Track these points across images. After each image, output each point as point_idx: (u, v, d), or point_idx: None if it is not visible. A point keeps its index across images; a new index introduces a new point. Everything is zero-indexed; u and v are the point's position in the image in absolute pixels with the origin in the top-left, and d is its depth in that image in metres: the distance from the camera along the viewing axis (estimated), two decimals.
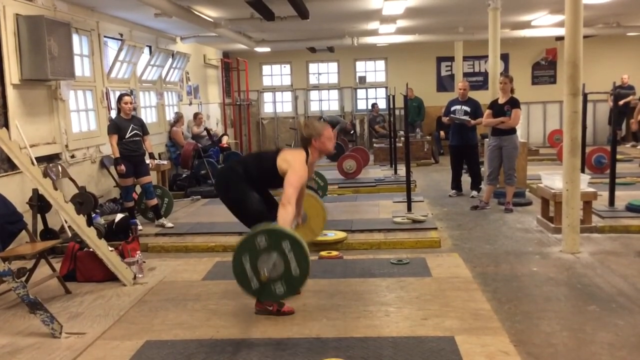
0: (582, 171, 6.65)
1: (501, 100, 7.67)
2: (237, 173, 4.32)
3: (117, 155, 6.80)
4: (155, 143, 8.12)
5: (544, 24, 12.17)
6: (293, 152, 4.29)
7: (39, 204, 5.91)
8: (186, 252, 6.36)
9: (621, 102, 12.82)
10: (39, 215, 6.04)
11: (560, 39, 13.46)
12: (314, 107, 16.43)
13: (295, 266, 3.65)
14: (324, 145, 4.29)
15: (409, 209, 7.29)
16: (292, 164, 4.11)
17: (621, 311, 4.20)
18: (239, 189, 4.25)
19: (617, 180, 7.42)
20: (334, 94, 16.40)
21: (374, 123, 15.48)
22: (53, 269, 4.95)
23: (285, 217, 3.88)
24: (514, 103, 7.56)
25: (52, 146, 7.12)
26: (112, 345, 3.75)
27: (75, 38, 7.52)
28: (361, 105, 16.49)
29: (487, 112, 7.82)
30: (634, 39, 14.66)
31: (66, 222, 6.01)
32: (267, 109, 16.63)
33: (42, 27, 6.34)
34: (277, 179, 4.17)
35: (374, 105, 15.72)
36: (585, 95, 6.89)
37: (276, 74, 16.56)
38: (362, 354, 3.47)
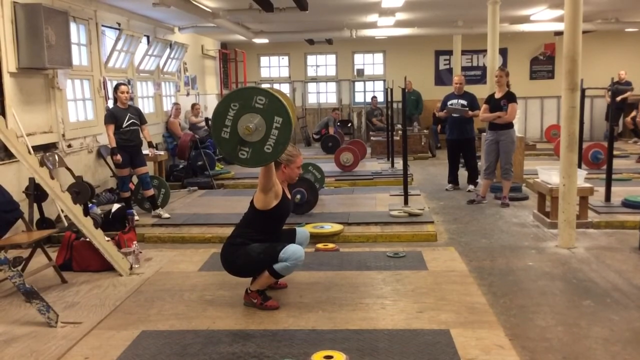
0: (579, 166, 6.67)
1: (497, 95, 7.68)
2: (233, 245, 4.15)
3: (114, 145, 6.78)
4: (152, 134, 8.09)
5: (542, 19, 12.16)
6: None
7: (36, 193, 5.91)
8: (183, 243, 6.36)
9: (619, 98, 12.83)
10: (35, 204, 6.04)
11: (559, 34, 13.46)
12: (311, 99, 16.41)
13: (271, 144, 3.57)
14: (292, 172, 4.25)
15: (406, 202, 7.30)
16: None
17: (616, 306, 4.22)
18: (238, 256, 4.10)
19: (614, 176, 7.45)
20: (332, 86, 16.38)
21: (372, 116, 15.47)
22: (49, 258, 4.95)
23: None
24: (510, 97, 7.57)
25: (49, 135, 7.09)
26: (108, 335, 3.76)
27: (72, 27, 7.47)
28: (359, 98, 16.47)
29: (483, 106, 7.82)
30: (632, 35, 14.65)
31: (62, 211, 6.00)
32: None
33: (40, 15, 6.30)
34: (270, 218, 4.10)
35: (373, 98, 15.71)
36: (583, 91, 6.90)
37: (274, 66, 16.52)
38: (358, 346, 3.48)
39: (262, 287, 4.17)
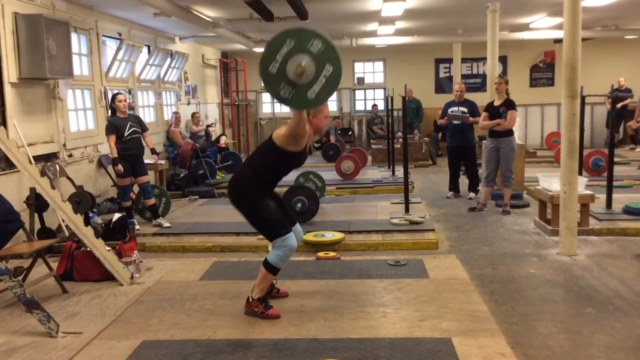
0: (580, 174, 6.67)
1: (497, 102, 7.69)
2: (247, 179, 4.12)
3: (115, 155, 6.78)
4: (153, 142, 8.11)
5: (542, 27, 12.20)
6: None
7: (36, 202, 5.91)
8: (183, 252, 6.36)
9: (619, 105, 12.84)
10: (36, 214, 6.04)
11: (558, 41, 13.49)
12: None
13: (316, 91, 3.51)
14: (320, 122, 4.17)
15: (407, 210, 7.29)
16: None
17: (618, 314, 4.20)
18: (253, 200, 4.08)
19: (615, 183, 7.44)
20: (333, 94, 16.35)
21: (372, 124, 15.49)
22: (50, 268, 4.95)
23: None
24: (509, 105, 7.58)
25: (50, 145, 7.11)
26: (108, 345, 3.75)
27: (73, 37, 7.51)
28: (359, 106, 16.50)
29: (483, 114, 7.84)
30: (631, 42, 14.69)
31: (63, 221, 6.00)
32: (266, 109, 16.62)
33: (41, 25, 6.33)
34: (283, 157, 4.05)
35: (373, 106, 15.73)
36: (583, 98, 6.91)
37: None
38: (359, 355, 3.47)
39: (263, 291, 4.16)
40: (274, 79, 3.53)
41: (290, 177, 9.60)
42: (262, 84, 3.58)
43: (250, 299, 4.17)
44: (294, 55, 3.48)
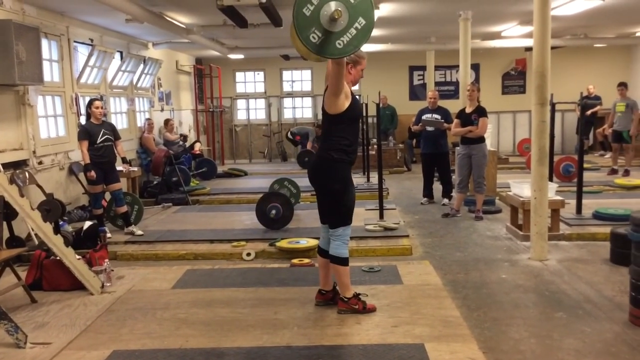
0: (550, 179, 6.76)
1: (468, 110, 7.78)
2: (336, 161, 4.12)
3: (88, 161, 6.69)
4: (125, 149, 8.02)
5: (513, 35, 12.39)
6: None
7: (5, 211, 5.78)
8: (156, 260, 6.29)
9: (588, 112, 13.08)
10: (4, 223, 5.91)
11: (529, 49, 13.70)
12: (287, 114, 16.43)
13: (344, 41, 3.44)
14: (357, 75, 4.23)
15: (381, 216, 7.32)
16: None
17: (587, 318, 4.27)
18: (346, 182, 4.14)
19: (585, 189, 7.57)
20: (308, 101, 16.41)
21: None
22: (18, 278, 4.86)
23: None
24: (481, 112, 7.68)
25: (19, 152, 6.98)
26: (78, 356, 3.69)
27: (44, 43, 7.41)
28: None
29: (455, 121, 7.93)
30: (600, 50, 14.99)
31: (33, 229, 5.89)
32: (241, 115, 16.57)
33: (10, 31, 6.22)
34: (348, 118, 4.10)
35: None
36: (553, 105, 7.02)
37: (250, 81, 16.51)
38: None
39: (350, 286, 4.25)
40: (307, 22, 3.44)
41: (265, 184, 9.61)
42: (294, 24, 3.46)
43: (346, 298, 4.22)
44: (329, 1, 3.42)
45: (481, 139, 7.71)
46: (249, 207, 8.09)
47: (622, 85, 11.19)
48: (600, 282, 5.09)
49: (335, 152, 4.13)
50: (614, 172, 10.92)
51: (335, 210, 4.17)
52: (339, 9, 3.40)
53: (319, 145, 4.33)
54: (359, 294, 4.31)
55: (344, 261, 4.17)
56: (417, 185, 10.00)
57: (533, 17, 5.76)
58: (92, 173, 6.71)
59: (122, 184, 7.55)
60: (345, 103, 4.06)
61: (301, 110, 16.48)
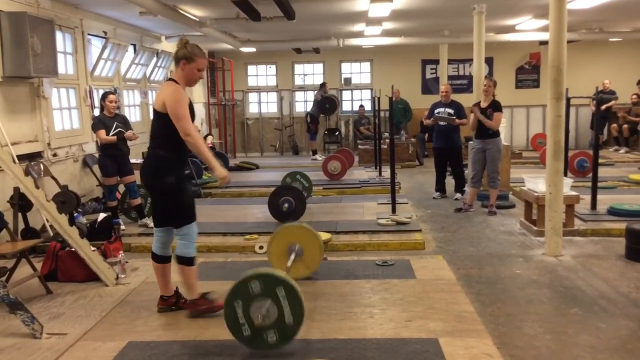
0: (565, 175, 6.72)
1: (483, 104, 7.72)
2: (158, 159, 4.08)
3: (115, 139, 6.68)
4: (139, 142, 8.06)
5: (528, 29, 12.29)
6: (163, 88, 4.12)
7: (20, 202, 5.84)
8: None
9: (603, 107, 12.97)
10: (20, 214, 5.97)
11: (544, 43, 13.61)
12: (299, 107, 16.42)
13: (289, 314, 3.45)
14: (192, 74, 4.06)
15: (394, 210, 7.31)
16: (166, 96, 3.95)
17: (603, 314, 4.24)
18: (175, 179, 4.07)
19: (599, 184, 7.51)
20: None
21: (359, 124, 15.50)
22: (34, 269, 4.89)
23: (197, 144, 3.98)
24: (495, 106, 7.62)
25: (34, 144, 7.03)
26: (93, 346, 3.71)
27: (58, 35, 7.44)
28: (346, 106, 16.50)
29: (471, 115, 7.88)
30: (615, 44, 14.83)
31: (47, 221, 5.94)
32: (252, 109, 16.58)
33: (25, 23, 6.26)
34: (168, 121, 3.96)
35: (360, 107, 15.74)
36: (568, 100, 6.96)
37: (261, 75, 16.52)
38: (346, 355, 3.47)
39: (195, 285, 4.13)
40: (255, 339, 3.50)
41: (277, 177, 9.62)
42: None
43: (192, 300, 4.12)
44: (249, 308, 3.46)
45: (496, 134, 7.66)
46: (261, 200, 8.09)
47: None
48: (615, 278, 5.05)
49: (163, 152, 4.06)
50: None
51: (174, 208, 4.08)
52: (258, 314, 3.43)
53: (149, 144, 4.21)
54: (206, 293, 4.16)
55: (190, 261, 4.07)
56: (429, 179, 9.97)
57: (549, 11, 5.70)
58: (129, 133, 6.78)
59: (136, 177, 7.56)
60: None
61: (313, 103, 16.43)
